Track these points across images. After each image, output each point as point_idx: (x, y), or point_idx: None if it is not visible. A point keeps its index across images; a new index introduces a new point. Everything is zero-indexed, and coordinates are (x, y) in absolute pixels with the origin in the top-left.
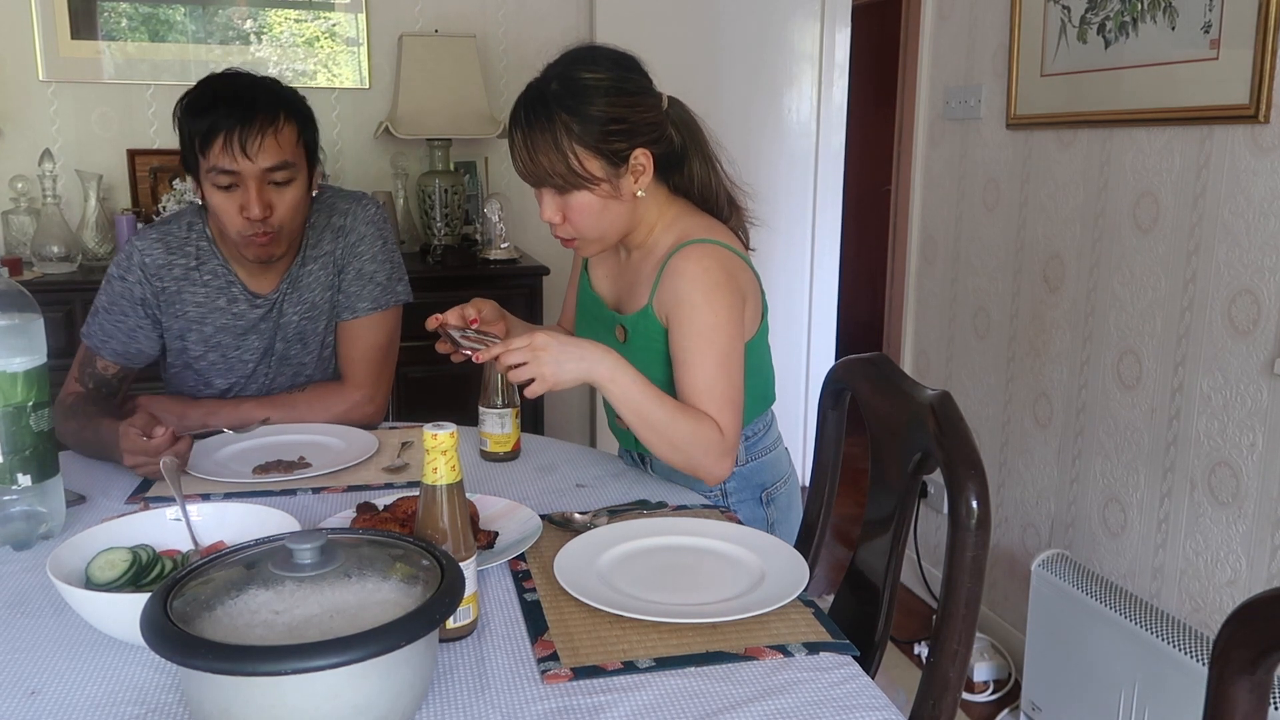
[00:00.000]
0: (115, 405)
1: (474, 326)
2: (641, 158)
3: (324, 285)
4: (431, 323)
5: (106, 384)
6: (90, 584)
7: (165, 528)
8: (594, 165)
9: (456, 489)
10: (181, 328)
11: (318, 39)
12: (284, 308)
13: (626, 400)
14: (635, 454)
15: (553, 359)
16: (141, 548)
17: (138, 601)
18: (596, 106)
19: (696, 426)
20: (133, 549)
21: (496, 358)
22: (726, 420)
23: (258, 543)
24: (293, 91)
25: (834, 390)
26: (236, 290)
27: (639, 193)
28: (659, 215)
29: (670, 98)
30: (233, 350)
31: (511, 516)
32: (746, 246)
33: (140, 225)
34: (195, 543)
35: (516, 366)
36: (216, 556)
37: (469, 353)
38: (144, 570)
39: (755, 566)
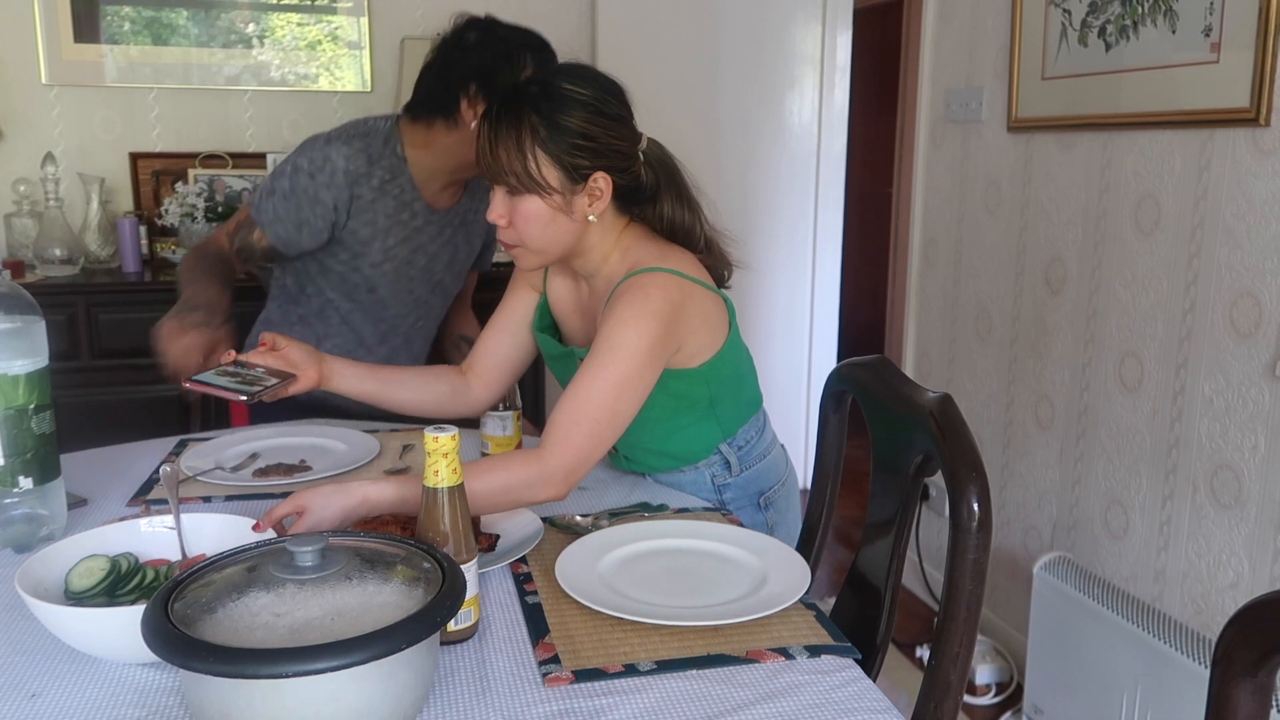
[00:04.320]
0: (231, 280)
1: (267, 363)
2: (601, 181)
3: (479, 235)
4: (226, 358)
5: (251, 253)
6: (69, 592)
7: (149, 538)
8: (551, 174)
9: (458, 491)
10: (369, 235)
11: (320, 42)
12: (454, 237)
13: (405, 503)
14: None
15: (321, 504)
16: (124, 556)
17: (85, 615)
18: (568, 118)
19: (507, 476)
20: (113, 557)
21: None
22: (559, 445)
23: (258, 545)
24: None
25: (835, 393)
26: (419, 206)
27: (591, 217)
28: (615, 244)
29: (650, 139)
30: (404, 264)
31: (513, 519)
32: (720, 284)
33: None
34: (184, 553)
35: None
36: (218, 559)
37: (225, 395)
38: (122, 579)
39: (757, 569)
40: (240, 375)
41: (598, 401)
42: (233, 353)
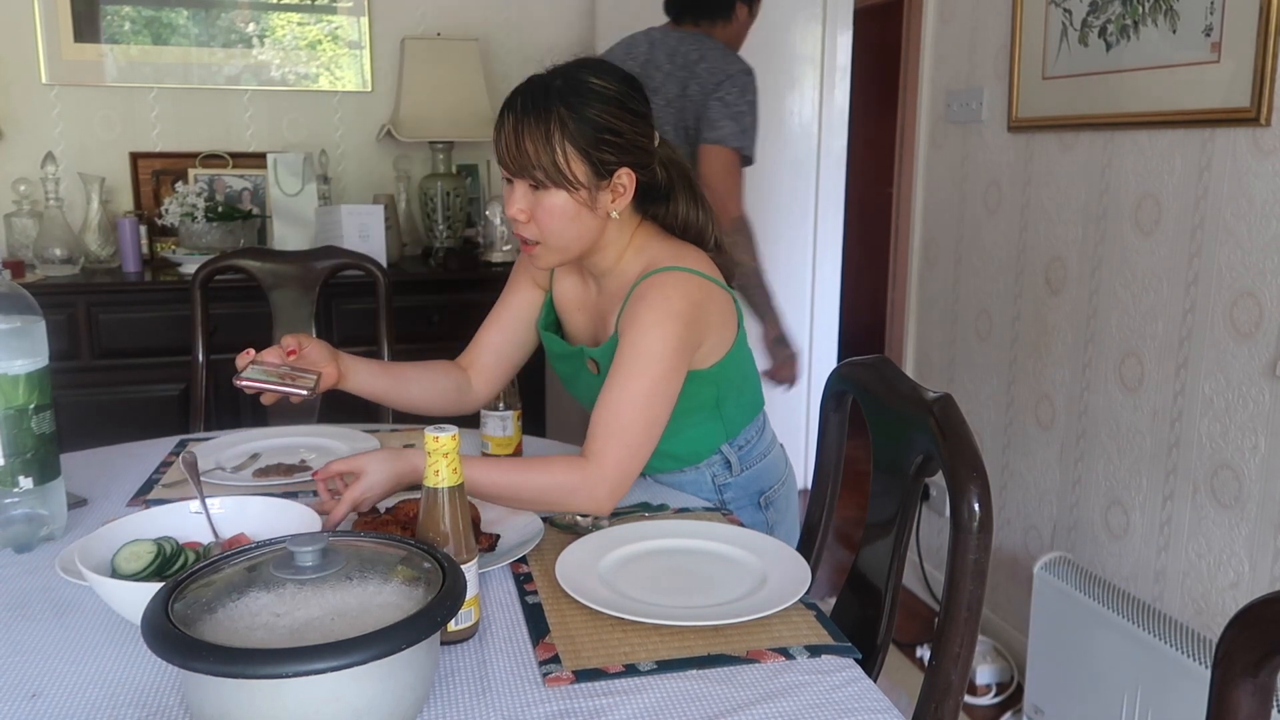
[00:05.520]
0: None
1: (290, 362)
2: (625, 178)
3: None
4: (242, 359)
5: None
6: (116, 575)
7: (187, 521)
8: (579, 168)
9: (458, 491)
10: None
11: (320, 42)
12: None
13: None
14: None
15: (376, 467)
16: (165, 540)
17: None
18: (595, 111)
19: (548, 476)
20: (157, 541)
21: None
22: (605, 453)
23: (259, 545)
24: None
25: (836, 393)
26: None
27: (613, 214)
28: (628, 242)
29: (660, 137)
30: None
31: (513, 519)
32: (728, 280)
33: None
34: (215, 535)
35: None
36: (218, 558)
37: (282, 392)
38: (168, 562)
39: (757, 569)
40: (277, 373)
41: (631, 412)
42: (251, 351)
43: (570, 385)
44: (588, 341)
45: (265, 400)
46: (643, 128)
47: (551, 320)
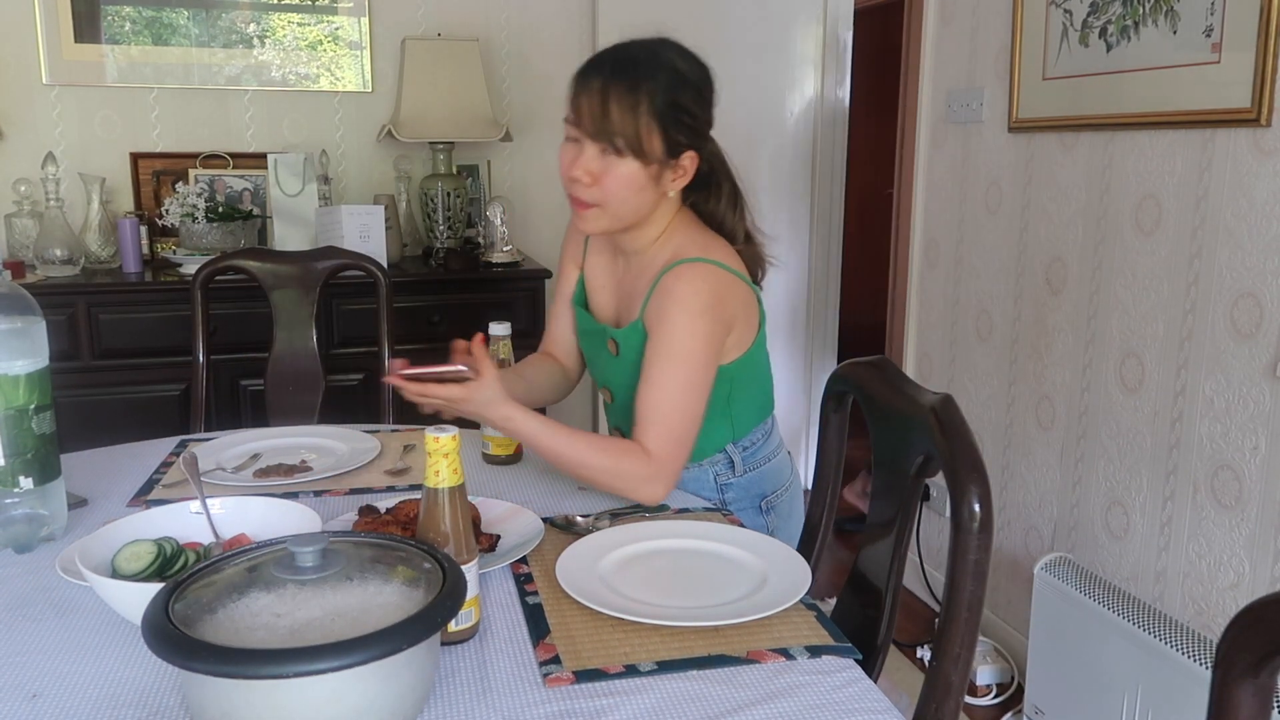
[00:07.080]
0: None
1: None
2: (688, 160)
3: None
4: (395, 374)
5: None
6: (116, 575)
7: (187, 521)
8: (656, 144)
9: (458, 492)
10: None
11: (321, 42)
12: None
13: (529, 439)
14: None
15: (484, 393)
16: (165, 540)
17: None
18: (679, 93)
19: (615, 461)
20: (157, 541)
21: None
22: (662, 447)
23: (259, 546)
24: None
25: (836, 393)
26: None
27: (671, 192)
28: (665, 224)
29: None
30: None
31: (513, 519)
32: (754, 277)
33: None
34: (216, 535)
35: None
36: (219, 559)
37: (441, 371)
38: (169, 562)
39: (757, 569)
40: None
41: (677, 408)
42: (405, 361)
43: (590, 363)
44: (611, 321)
45: (415, 395)
46: (709, 116)
47: (583, 296)
